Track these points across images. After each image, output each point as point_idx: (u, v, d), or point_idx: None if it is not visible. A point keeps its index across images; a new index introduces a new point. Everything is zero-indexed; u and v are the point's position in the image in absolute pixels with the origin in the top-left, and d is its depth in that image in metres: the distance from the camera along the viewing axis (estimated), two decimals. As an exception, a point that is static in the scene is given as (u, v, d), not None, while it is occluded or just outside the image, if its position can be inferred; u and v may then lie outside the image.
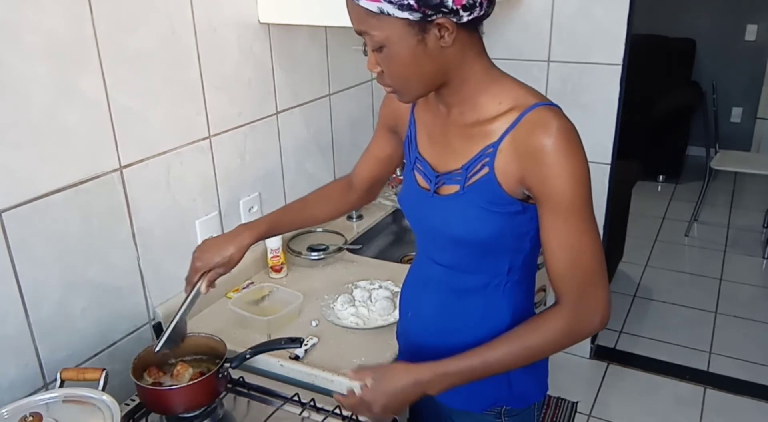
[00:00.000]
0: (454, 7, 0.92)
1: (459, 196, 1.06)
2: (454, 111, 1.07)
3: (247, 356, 1.26)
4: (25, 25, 1.12)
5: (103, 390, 1.14)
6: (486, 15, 0.98)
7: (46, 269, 1.23)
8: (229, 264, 1.24)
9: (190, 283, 1.24)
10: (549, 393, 1.29)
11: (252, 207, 1.76)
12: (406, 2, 0.91)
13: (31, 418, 1.02)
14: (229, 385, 1.30)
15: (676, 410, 2.57)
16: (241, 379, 1.33)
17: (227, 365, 1.22)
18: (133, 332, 1.45)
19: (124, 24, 1.30)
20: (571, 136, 0.97)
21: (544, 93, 1.04)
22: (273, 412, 1.26)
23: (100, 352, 1.37)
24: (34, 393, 1.19)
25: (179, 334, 1.23)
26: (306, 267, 1.82)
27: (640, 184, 3.59)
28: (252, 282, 1.72)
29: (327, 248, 1.86)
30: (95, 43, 1.24)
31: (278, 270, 1.76)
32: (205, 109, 1.55)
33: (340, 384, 1.30)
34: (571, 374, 2.80)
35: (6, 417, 1.05)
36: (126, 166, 1.36)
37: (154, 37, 1.38)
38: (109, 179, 1.33)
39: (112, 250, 1.36)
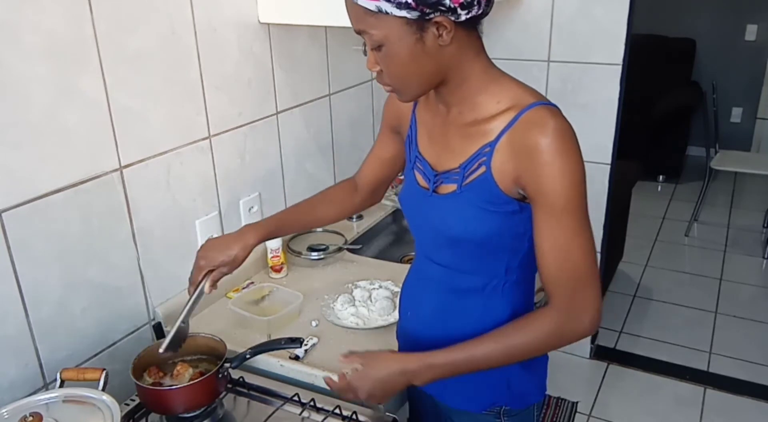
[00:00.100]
0: (452, 6, 0.92)
1: (456, 195, 1.06)
2: (453, 110, 1.08)
3: (247, 356, 1.26)
4: (25, 25, 1.12)
5: (103, 390, 1.14)
6: (484, 14, 0.98)
7: (46, 269, 1.23)
8: (234, 264, 1.24)
9: (194, 283, 1.24)
10: (549, 393, 1.30)
11: (252, 207, 1.76)
12: (404, 1, 0.91)
13: (31, 418, 1.02)
14: (229, 385, 1.30)
15: (676, 410, 2.57)
16: (241, 379, 1.33)
17: (227, 365, 1.22)
18: (133, 332, 1.45)
19: (124, 24, 1.30)
20: (568, 135, 0.97)
21: (544, 93, 1.04)
22: (273, 412, 1.26)
23: (100, 352, 1.37)
24: (34, 393, 1.19)
25: (183, 335, 1.23)
26: (306, 267, 1.82)
27: (640, 184, 3.59)
28: (252, 282, 1.72)
29: (327, 248, 1.86)
30: (95, 43, 1.24)
31: (278, 270, 1.76)
32: (205, 109, 1.55)
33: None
34: (571, 374, 2.80)
35: (6, 417, 1.05)
36: (126, 166, 1.36)
37: (154, 37, 1.38)
38: (109, 179, 1.33)
39: (112, 250, 1.36)
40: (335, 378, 1.12)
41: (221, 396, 1.26)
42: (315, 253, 1.84)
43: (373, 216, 2.15)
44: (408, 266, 1.30)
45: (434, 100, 1.12)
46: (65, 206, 1.24)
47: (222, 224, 1.67)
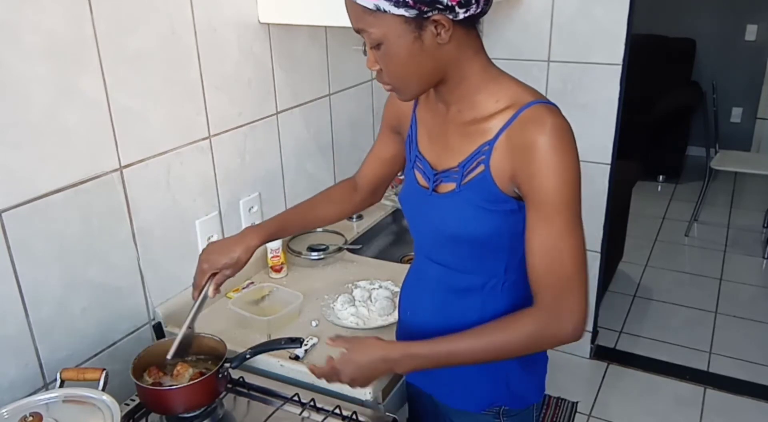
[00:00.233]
0: (450, 4, 0.93)
1: (455, 193, 1.06)
2: (452, 109, 1.08)
3: (247, 356, 1.26)
4: (25, 25, 1.12)
5: (103, 390, 1.13)
6: (483, 12, 0.98)
7: (46, 269, 1.23)
8: (237, 266, 1.24)
9: (198, 287, 1.24)
10: (549, 393, 1.30)
11: (252, 207, 1.76)
12: None
13: (31, 418, 1.02)
14: (229, 385, 1.30)
15: (676, 410, 2.57)
16: (241, 379, 1.33)
17: (227, 365, 1.22)
18: (133, 332, 1.45)
19: (124, 24, 1.30)
20: (565, 134, 0.96)
21: (544, 93, 1.04)
22: (273, 412, 1.26)
23: (100, 352, 1.37)
24: (34, 393, 1.19)
25: (189, 340, 1.23)
26: (306, 267, 1.82)
27: (640, 184, 3.59)
28: (252, 282, 1.72)
29: (327, 248, 1.86)
30: (95, 43, 1.24)
31: (278, 270, 1.76)
32: (205, 109, 1.55)
33: (341, 384, 1.29)
34: (571, 374, 2.80)
35: (6, 417, 1.05)
36: (126, 166, 1.36)
37: (154, 37, 1.38)
38: (109, 179, 1.33)
39: (112, 250, 1.36)
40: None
41: (221, 396, 1.26)
42: (315, 253, 1.84)
43: (373, 216, 2.15)
44: (408, 266, 1.31)
45: (434, 99, 1.12)
46: (65, 206, 1.24)
47: (222, 224, 1.67)
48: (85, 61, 1.23)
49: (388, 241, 2.17)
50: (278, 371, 1.37)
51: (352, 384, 1.10)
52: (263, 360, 1.37)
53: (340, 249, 1.87)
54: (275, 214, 1.36)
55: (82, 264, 1.30)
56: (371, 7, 0.93)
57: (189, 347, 1.24)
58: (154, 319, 1.50)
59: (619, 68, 2.37)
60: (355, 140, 2.20)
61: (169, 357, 1.19)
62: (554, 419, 2.54)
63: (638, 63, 2.92)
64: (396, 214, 2.22)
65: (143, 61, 1.36)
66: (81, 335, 1.32)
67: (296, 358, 1.38)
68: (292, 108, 1.86)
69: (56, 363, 1.25)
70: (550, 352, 1.22)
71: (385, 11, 0.93)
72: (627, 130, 2.64)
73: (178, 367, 1.23)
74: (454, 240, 1.09)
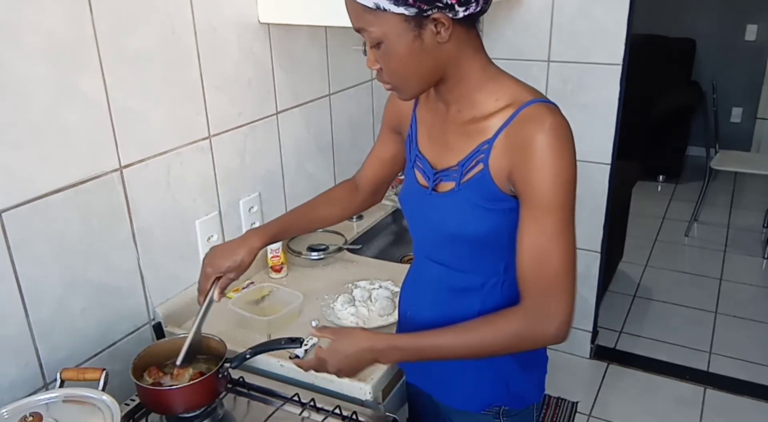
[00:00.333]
0: (450, 2, 0.93)
1: (454, 192, 1.06)
2: (452, 108, 1.08)
3: (247, 356, 1.26)
4: (25, 25, 1.12)
5: (103, 390, 1.13)
6: (482, 11, 0.98)
7: (46, 269, 1.23)
8: (240, 269, 1.24)
9: (203, 292, 1.24)
10: (549, 393, 1.30)
11: (252, 207, 1.76)
12: None
13: (31, 418, 1.02)
14: (229, 385, 1.30)
15: (676, 410, 2.57)
16: (241, 379, 1.33)
17: (227, 365, 1.21)
18: (133, 332, 1.45)
19: (124, 24, 1.30)
20: (564, 134, 0.96)
21: (544, 93, 1.04)
22: (273, 412, 1.26)
23: (100, 352, 1.37)
24: (34, 393, 1.19)
25: (197, 345, 1.23)
26: (306, 267, 1.82)
27: (640, 184, 3.59)
28: (252, 282, 1.72)
29: (327, 248, 1.86)
30: (95, 43, 1.24)
31: (278, 270, 1.76)
32: (205, 109, 1.55)
33: (341, 384, 1.30)
34: (571, 374, 2.80)
35: (6, 417, 1.05)
36: (126, 166, 1.36)
37: (154, 37, 1.37)
38: (109, 179, 1.33)
39: (112, 250, 1.36)
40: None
41: (221, 396, 1.26)
42: (315, 253, 1.84)
43: (373, 216, 2.15)
44: (408, 266, 1.31)
45: (434, 98, 1.12)
46: (65, 206, 1.24)
47: (222, 224, 1.67)
48: (85, 61, 1.23)
49: (388, 241, 2.18)
50: (278, 371, 1.37)
51: (339, 374, 1.10)
52: (263, 360, 1.37)
53: (340, 249, 1.87)
54: (276, 215, 1.36)
55: (82, 264, 1.30)
56: (371, 5, 0.94)
57: (197, 352, 1.24)
58: (154, 319, 1.50)
59: (619, 68, 2.37)
60: (355, 140, 2.20)
61: (178, 363, 1.19)
62: (554, 419, 2.54)
63: (638, 63, 2.92)
64: (396, 214, 2.22)
65: (143, 61, 1.36)
66: (81, 335, 1.32)
67: (296, 358, 1.38)
68: (292, 108, 1.86)
69: (56, 363, 1.25)
70: (550, 352, 1.23)
71: (384, 10, 0.93)
72: (627, 130, 2.64)
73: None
74: (454, 239, 1.09)
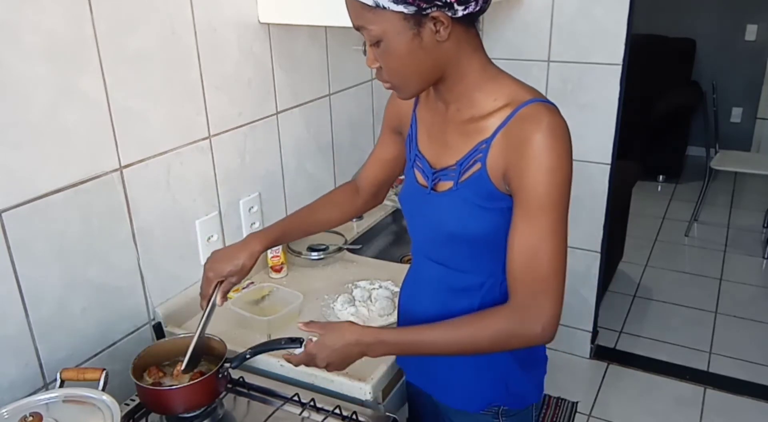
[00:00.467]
0: (449, 1, 0.93)
1: (453, 192, 1.06)
2: (451, 107, 1.08)
3: (247, 356, 1.25)
4: (25, 25, 1.12)
5: (103, 390, 1.13)
6: (481, 11, 0.98)
7: (46, 269, 1.23)
8: (242, 273, 1.24)
9: (205, 297, 1.24)
10: (549, 393, 1.30)
11: (252, 207, 1.76)
12: None
13: (31, 418, 1.02)
14: (229, 385, 1.30)
15: (676, 410, 2.57)
16: (241, 379, 1.33)
17: (227, 365, 1.21)
18: (133, 332, 1.45)
19: (124, 24, 1.30)
20: (561, 134, 0.96)
21: (544, 93, 1.04)
22: (273, 412, 1.26)
23: (100, 352, 1.37)
24: (34, 393, 1.19)
25: (201, 350, 1.23)
26: (306, 267, 1.82)
27: (640, 183, 3.59)
28: (252, 282, 1.72)
29: (327, 248, 1.86)
30: (95, 43, 1.24)
31: (278, 270, 1.76)
32: (205, 109, 1.55)
33: (341, 384, 1.30)
34: (571, 374, 2.80)
35: (6, 417, 1.05)
36: (126, 166, 1.36)
37: (154, 37, 1.38)
38: (109, 179, 1.33)
39: (112, 250, 1.36)
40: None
41: (221, 396, 1.26)
42: (315, 253, 1.84)
43: (373, 216, 2.15)
44: (408, 266, 1.31)
45: (434, 98, 1.12)
46: (65, 206, 1.24)
47: (222, 224, 1.67)
48: (85, 61, 1.23)
49: (388, 241, 2.18)
50: (278, 371, 1.37)
51: (328, 368, 1.10)
52: (263, 360, 1.37)
53: (340, 249, 1.87)
54: (276, 215, 1.37)
55: (82, 264, 1.30)
56: (370, 3, 0.94)
57: (201, 356, 1.24)
58: (154, 319, 1.50)
59: (619, 68, 2.37)
60: (355, 140, 2.20)
61: (182, 369, 1.19)
62: (554, 419, 2.54)
63: (638, 63, 2.92)
64: (396, 214, 2.22)
65: (143, 61, 1.36)
66: (81, 335, 1.32)
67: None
68: (292, 108, 1.86)
69: (56, 363, 1.25)
70: (549, 352, 1.23)
71: (384, 8, 0.93)
72: (627, 130, 2.64)
73: (178, 366, 1.23)
74: (452, 238, 1.09)
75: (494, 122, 1.01)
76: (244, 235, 1.30)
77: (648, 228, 4.19)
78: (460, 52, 1.00)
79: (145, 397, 1.19)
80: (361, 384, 1.28)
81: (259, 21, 1.67)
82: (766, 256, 3.83)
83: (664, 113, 4.73)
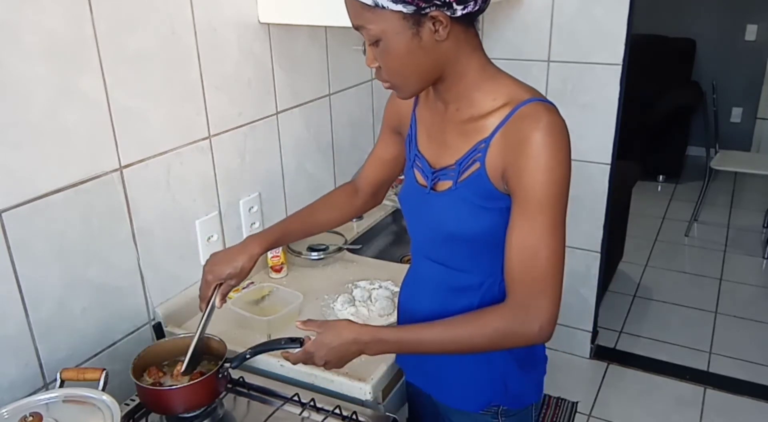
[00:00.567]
0: (448, 0, 0.93)
1: (452, 191, 1.07)
2: (450, 107, 1.08)
3: (247, 356, 1.26)
4: (25, 25, 1.12)
5: (103, 390, 1.13)
6: (481, 10, 0.99)
7: (46, 269, 1.23)
8: (241, 275, 1.24)
9: (204, 299, 1.24)
10: (549, 393, 1.30)
11: (252, 207, 1.76)
12: None
13: (31, 418, 1.02)
14: (229, 385, 1.30)
15: (676, 410, 2.57)
16: (241, 379, 1.33)
17: (227, 365, 1.21)
18: (133, 332, 1.45)
19: (124, 24, 1.30)
20: (560, 133, 0.97)
21: (544, 93, 1.04)
22: (273, 412, 1.26)
23: (100, 352, 1.37)
24: (34, 393, 1.19)
25: (201, 352, 1.23)
26: (306, 267, 1.82)
27: (640, 183, 3.59)
28: (252, 282, 1.72)
29: (327, 248, 1.86)
30: (95, 43, 1.24)
31: (278, 270, 1.76)
32: (205, 109, 1.55)
33: (341, 384, 1.30)
34: (571, 374, 2.80)
35: (6, 417, 1.05)
36: (126, 166, 1.36)
37: (154, 37, 1.38)
38: (109, 179, 1.33)
39: (112, 250, 1.36)
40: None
41: (221, 396, 1.26)
42: (315, 253, 1.84)
43: (373, 216, 2.15)
44: (408, 266, 1.31)
45: (433, 97, 1.12)
46: (65, 206, 1.24)
47: (222, 224, 1.67)
48: (85, 61, 1.23)
49: (388, 241, 2.18)
50: (278, 371, 1.37)
51: (327, 366, 1.11)
52: (263, 360, 1.37)
53: (340, 249, 1.87)
54: (276, 216, 1.37)
55: (82, 264, 1.30)
56: (370, 3, 0.94)
57: (200, 358, 1.24)
58: (154, 319, 1.50)
59: (619, 68, 2.37)
60: (355, 140, 2.20)
61: (182, 371, 1.19)
62: (554, 419, 2.54)
63: (638, 63, 2.92)
64: (396, 214, 2.22)
65: (143, 61, 1.36)
66: (81, 335, 1.32)
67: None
68: (292, 108, 1.86)
69: (56, 363, 1.25)
70: (549, 352, 1.23)
71: (383, 7, 0.93)
72: (627, 130, 2.64)
73: (178, 366, 1.24)
74: (452, 238, 1.10)
75: (493, 121, 1.01)
76: (244, 235, 1.30)
77: (648, 228, 4.19)
78: (459, 51, 1.00)
79: (145, 397, 1.19)
80: (361, 384, 1.28)
81: (259, 21, 1.67)
82: (766, 256, 3.83)
83: (664, 113, 4.73)
